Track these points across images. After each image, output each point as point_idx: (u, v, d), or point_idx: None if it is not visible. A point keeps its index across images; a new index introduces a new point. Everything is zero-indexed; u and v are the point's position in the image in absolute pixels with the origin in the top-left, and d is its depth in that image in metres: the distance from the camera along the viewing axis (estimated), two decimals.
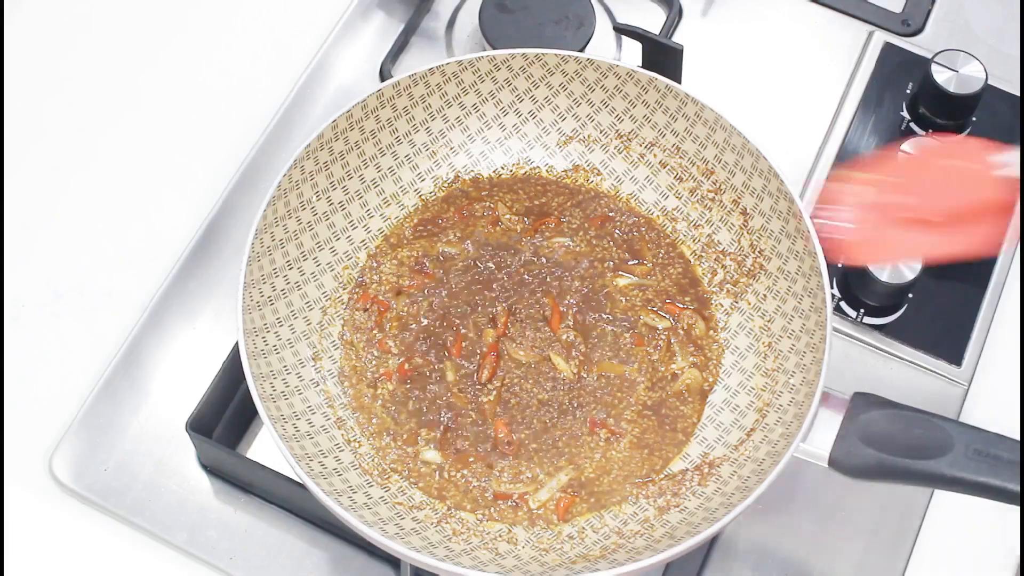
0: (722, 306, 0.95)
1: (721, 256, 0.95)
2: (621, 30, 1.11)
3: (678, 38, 1.12)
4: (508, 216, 0.98)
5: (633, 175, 0.99)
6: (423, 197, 0.99)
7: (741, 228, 0.95)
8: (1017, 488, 0.75)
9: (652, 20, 1.13)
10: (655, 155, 0.97)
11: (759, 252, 0.93)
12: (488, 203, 0.99)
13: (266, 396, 0.84)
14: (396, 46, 1.10)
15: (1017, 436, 0.78)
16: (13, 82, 1.09)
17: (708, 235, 0.96)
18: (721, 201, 0.95)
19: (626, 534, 0.86)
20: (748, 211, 0.94)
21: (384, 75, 1.09)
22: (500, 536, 0.87)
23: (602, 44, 1.12)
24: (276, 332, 0.89)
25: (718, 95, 0.91)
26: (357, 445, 0.90)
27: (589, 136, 0.99)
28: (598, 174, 0.99)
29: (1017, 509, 0.78)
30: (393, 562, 0.91)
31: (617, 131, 0.98)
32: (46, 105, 1.09)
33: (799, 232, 0.89)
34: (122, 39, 1.12)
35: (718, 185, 0.95)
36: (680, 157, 0.96)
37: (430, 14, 1.14)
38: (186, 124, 1.09)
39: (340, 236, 0.95)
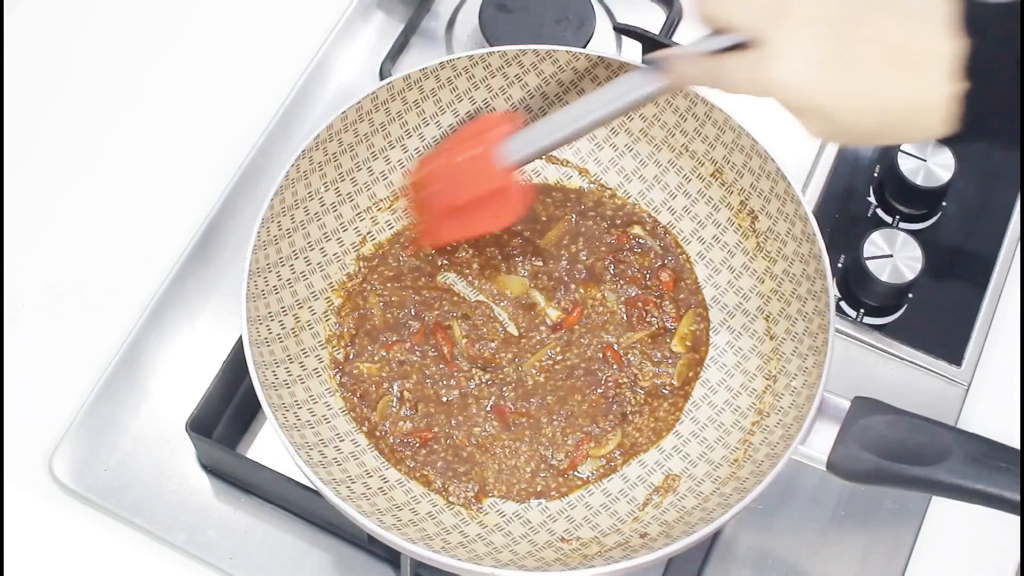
0: (727, 307, 0.95)
1: (728, 257, 0.95)
2: (621, 30, 1.11)
3: (678, 38, 1.12)
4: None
5: (642, 174, 0.99)
6: None
7: (748, 229, 0.94)
8: (1016, 497, 0.75)
9: (652, 20, 1.13)
10: (664, 155, 0.97)
11: (765, 254, 0.94)
12: None
13: (268, 384, 0.84)
14: (396, 46, 1.10)
15: (1017, 437, 0.78)
16: (13, 82, 1.09)
17: (714, 235, 0.96)
18: (729, 202, 0.95)
19: (623, 531, 0.86)
20: (755, 212, 0.94)
21: (384, 75, 1.09)
22: (497, 529, 0.87)
23: (602, 44, 1.12)
24: (280, 320, 0.90)
25: (717, 94, 0.91)
26: (357, 435, 0.90)
27: (598, 133, 0.99)
28: (606, 172, 0.99)
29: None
30: (393, 562, 0.91)
31: (627, 129, 0.98)
32: (46, 105, 1.09)
33: (804, 235, 0.89)
34: (122, 39, 1.12)
35: (726, 186, 0.95)
36: (689, 157, 0.96)
37: (430, 14, 1.14)
38: (186, 124, 1.09)
39: (348, 227, 0.95)
